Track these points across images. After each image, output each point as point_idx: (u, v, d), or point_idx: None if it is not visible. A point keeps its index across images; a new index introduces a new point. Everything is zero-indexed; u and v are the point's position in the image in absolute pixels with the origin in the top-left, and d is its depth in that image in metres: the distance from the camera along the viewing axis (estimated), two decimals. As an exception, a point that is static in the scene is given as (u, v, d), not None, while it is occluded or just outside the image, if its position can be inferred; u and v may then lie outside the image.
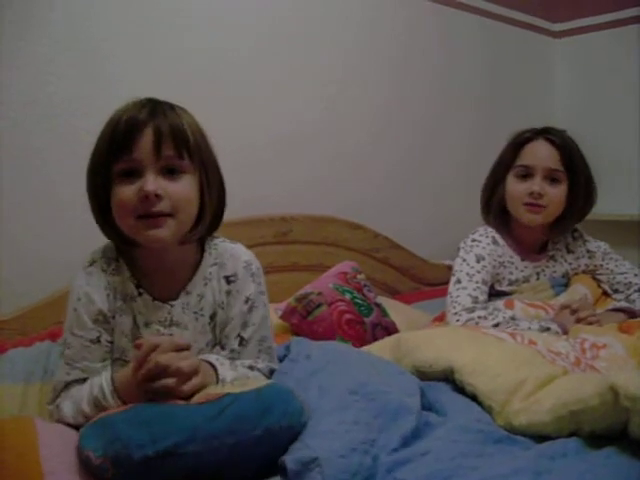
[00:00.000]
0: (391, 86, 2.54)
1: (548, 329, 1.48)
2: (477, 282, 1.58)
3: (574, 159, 1.64)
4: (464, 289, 1.57)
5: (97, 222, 1.10)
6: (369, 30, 2.45)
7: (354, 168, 2.42)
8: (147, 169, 1.02)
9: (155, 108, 1.05)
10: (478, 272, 1.60)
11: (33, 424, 0.99)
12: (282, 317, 1.70)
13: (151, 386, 0.97)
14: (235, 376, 1.07)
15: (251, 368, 1.15)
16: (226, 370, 1.07)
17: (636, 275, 1.75)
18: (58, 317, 1.58)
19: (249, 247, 1.24)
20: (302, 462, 0.89)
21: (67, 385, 1.09)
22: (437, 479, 0.86)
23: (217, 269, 1.16)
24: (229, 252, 1.18)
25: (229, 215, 1.89)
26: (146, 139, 1.02)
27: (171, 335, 1.11)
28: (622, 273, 1.75)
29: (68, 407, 1.07)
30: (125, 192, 1.02)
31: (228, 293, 1.16)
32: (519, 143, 1.69)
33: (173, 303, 1.13)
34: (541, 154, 1.64)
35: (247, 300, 1.16)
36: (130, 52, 1.83)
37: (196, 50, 1.96)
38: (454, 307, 1.55)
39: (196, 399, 0.98)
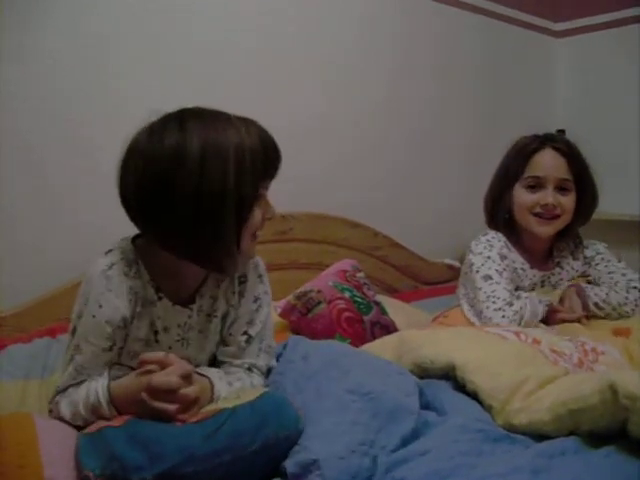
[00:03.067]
0: (391, 84, 2.54)
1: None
2: (507, 278, 1.58)
3: (581, 166, 1.65)
4: (498, 284, 1.56)
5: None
6: (369, 28, 2.45)
7: (354, 167, 2.42)
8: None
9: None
10: (504, 269, 1.60)
11: (32, 422, 0.98)
12: (281, 315, 1.70)
13: (151, 404, 0.95)
14: (229, 392, 1.06)
15: (250, 369, 1.16)
16: (223, 386, 1.07)
17: (624, 275, 1.71)
18: (57, 314, 1.59)
19: (249, 245, 1.23)
20: (302, 465, 0.89)
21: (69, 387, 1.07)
22: (435, 478, 0.86)
23: None
24: None
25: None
26: None
27: (187, 341, 1.10)
28: (610, 272, 1.72)
29: (66, 408, 1.05)
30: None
31: (239, 293, 1.16)
32: (526, 153, 1.67)
33: (192, 307, 1.12)
34: (551, 164, 1.64)
35: (256, 299, 1.18)
36: (133, 46, 1.83)
37: (197, 46, 1.96)
38: (494, 302, 1.52)
39: (192, 417, 0.97)
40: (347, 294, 1.72)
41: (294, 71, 2.21)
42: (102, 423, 0.95)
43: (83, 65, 1.75)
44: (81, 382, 1.06)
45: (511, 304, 1.51)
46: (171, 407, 0.94)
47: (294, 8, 2.21)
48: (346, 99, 2.38)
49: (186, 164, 0.96)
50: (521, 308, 1.50)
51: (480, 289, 1.57)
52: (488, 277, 1.58)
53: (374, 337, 1.63)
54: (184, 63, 1.93)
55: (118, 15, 1.80)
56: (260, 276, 1.20)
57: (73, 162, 1.73)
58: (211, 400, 1.03)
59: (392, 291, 2.41)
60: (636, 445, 0.88)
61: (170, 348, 1.10)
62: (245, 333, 1.16)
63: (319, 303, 1.67)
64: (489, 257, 1.61)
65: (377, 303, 1.78)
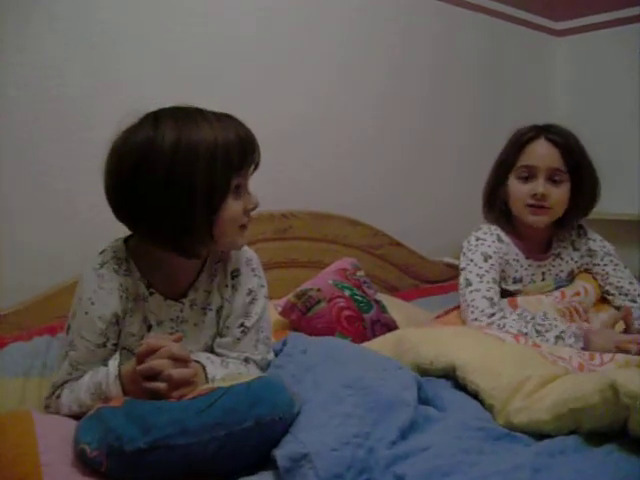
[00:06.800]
0: (392, 83, 2.54)
1: (562, 339, 1.42)
2: (488, 282, 1.56)
3: (576, 157, 1.62)
4: (477, 291, 1.54)
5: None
6: (370, 27, 2.45)
7: (354, 165, 2.42)
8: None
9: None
10: (487, 272, 1.58)
11: (31, 417, 1.00)
12: (282, 313, 1.70)
13: (145, 385, 1.00)
14: (226, 373, 1.10)
15: (247, 360, 1.18)
16: (216, 368, 1.10)
17: (631, 283, 1.70)
18: (57, 312, 1.59)
19: (249, 243, 1.25)
20: (292, 459, 0.89)
21: (66, 382, 1.11)
22: (437, 475, 0.86)
23: (221, 265, 1.20)
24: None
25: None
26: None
27: (179, 333, 1.11)
28: (617, 277, 1.72)
29: (65, 395, 1.09)
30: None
31: (233, 287, 1.20)
32: (520, 143, 1.65)
33: (184, 301, 1.16)
34: (543, 154, 1.61)
35: (249, 292, 1.21)
36: (133, 47, 1.83)
37: (198, 46, 1.96)
38: (472, 312, 1.52)
39: (188, 396, 1.00)
40: (347, 292, 1.72)
41: (293, 69, 2.21)
42: (99, 406, 0.98)
43: (83, 66, 1.74)
44: (78, 378, 1.09)
45: (490, 315, 1.50)
46: (162, 385, 0.99)
47: (293, 5, 2.21)
48: (346, 97, 2.38)
49: (157, 156, 1.00)
50: (501, 319, 1.49)
51: (463, 296, 1.57)
52: (468, 283, 1.57)
53: (375, 335, 1.63)
54: (184, 63, 1.93)
55: (118, 15, 1.80)
56: (253, 269, 1.23)
57: (73, 162, 1.73)
58: (206, 382, 1.07)
59: (392, 289, 2.42)
60: (637, 444, 0.88)
61: None
62: (241, 325, 1.19)
63: (319, 302, 1.66)
64: (472, 260, 1.60)
65: (377, 301, 1.78)
